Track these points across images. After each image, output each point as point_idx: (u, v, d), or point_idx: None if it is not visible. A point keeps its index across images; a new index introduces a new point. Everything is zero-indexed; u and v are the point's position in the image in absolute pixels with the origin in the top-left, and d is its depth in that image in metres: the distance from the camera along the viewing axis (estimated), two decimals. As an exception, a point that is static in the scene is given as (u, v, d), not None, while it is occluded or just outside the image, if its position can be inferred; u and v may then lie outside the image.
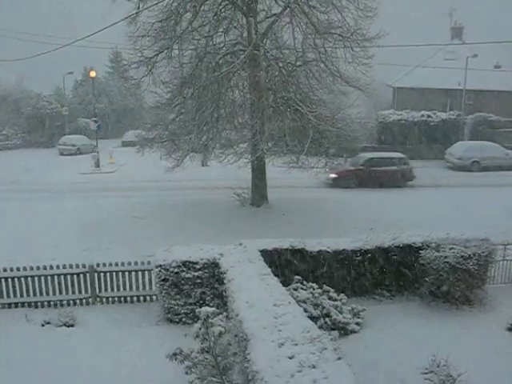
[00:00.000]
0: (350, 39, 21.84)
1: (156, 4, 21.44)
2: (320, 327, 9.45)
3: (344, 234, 15.46)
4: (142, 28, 22.44)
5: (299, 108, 21.57)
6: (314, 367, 6.65)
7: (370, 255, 13.49)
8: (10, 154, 51.82)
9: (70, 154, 51.11)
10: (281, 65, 22.65)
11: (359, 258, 13.43)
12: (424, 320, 12.43)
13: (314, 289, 12.13)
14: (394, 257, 13.55)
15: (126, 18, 21.47)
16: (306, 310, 9.76)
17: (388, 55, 29.55)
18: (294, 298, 9.99)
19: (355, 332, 11.78)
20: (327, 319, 11.57)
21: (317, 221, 21.78)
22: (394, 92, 53.88)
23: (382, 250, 13.56)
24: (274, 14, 22.67)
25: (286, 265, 12.80)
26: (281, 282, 10.35)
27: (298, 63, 22.72)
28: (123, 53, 36.15)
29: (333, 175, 30.97)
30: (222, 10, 22.76)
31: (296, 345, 7.27)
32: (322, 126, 21.83)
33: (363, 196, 28.33)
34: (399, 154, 33.62)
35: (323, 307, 11.68)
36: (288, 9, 21.71)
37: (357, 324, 11.94)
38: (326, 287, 12.49)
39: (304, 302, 11.29)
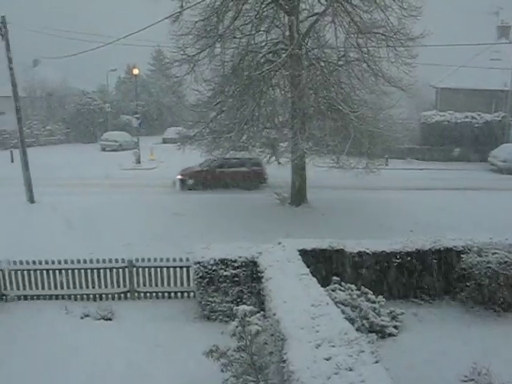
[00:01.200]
0: (393, 38, 21.59)
1: (199, 3, 21.57)
2: (357, 329, 9.35)
3: (385, 235, 15.28)
4: (185, 26, 22.60)
5: (340, 108, 21.39)
6: (350, 370, 6.59)
7: (409, 258, 13.30)
8: (54, 149, 52.77)
9: (112, 150, 51.84)
10: (322, 64, 22.51)
11: (399, 260, 13.26)
12: (464, 326, 12.17)
13: (352, 290, 12.03)
14: (435, 260, 13.34)
15: (169, 16, 21.67)
16: (343, 312, 9.68)
17: (431, 55, 29.10)
18: (332, 299, 9.91)
19: (393, 335, 11.63)
20: (365, 321, 11.45)
21: (357, 221, 21.56)
22: (437, 92, 52.97)
23: (422, 252, 13.35)
24: (317, 13, 22.56)
25: (325, 265, 12.73)
26: (319, 282, 10.30)
27: (339, 63, 22.57)
28: (166, 51, 36.49)
29: (179, 176, 30.87)
30: (264, 8, 22.76)
31: (333, 346, 7.22)
32: (363, 127, 21.62)
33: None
34: (252, 155, 31.49)
35: (361, 309, 11.58)
36: (330, 8, 21.58)
37: (395, 327, 11.79)
38: (364, 289, 12.37)
39: (342, 304, 11.21)
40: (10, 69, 26.72)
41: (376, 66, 22.13)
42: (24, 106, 39.96)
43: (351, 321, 9.87)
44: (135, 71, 49.83)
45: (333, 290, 11.79)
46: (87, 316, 13.12)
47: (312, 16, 22.91)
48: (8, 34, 26.10)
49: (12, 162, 42.59)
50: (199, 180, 30.97)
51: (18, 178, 28.05)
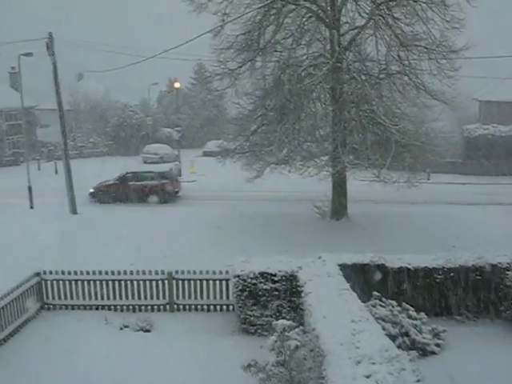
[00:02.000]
0: (435, 51, 21.33)
1: (240, 17, 21.74)
2: (398, 346, 9.19)
3: (427, 250, 15.00)
4: (226, 40, 22.81)
5: (382, 121, 21.19)
6: (391, 388, 6.47)
7: (452, 274, 13.02)
8: (96, 161, 53.59)
9: (153, 163, 52.34)
10: (363, 77, 22.37)
11: (441, 276, 12.99)
12: (509, 346, 11.82)
13: (393, 306, 11.84)
14: (478, 277, 13.03)
15: (211, 30, 21.89)
16: (384, 328, 9.52)
17: (475, 67, 28.65)
18: (373, 315, 9.77)
19: (435, 353, 11.35)
20: (406, 338, 11.25)
21: (398, 236, 21.23)
22: (481, 105, 52.08)
23: (465, 269, 13.04)
24: (358, 26, 22.50)
25: (365, 280, 12.57)
26: (359, 297, 10.17)
27: (381, 76, 22.42)
28: (207, 64, 36.73)
29: (91, 190, 31.09)
30: (306, 22, 22.82)
31: (373, 363, 7.09)
32: (404, 140, 21.37)
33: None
34: (164, 168, 33.35)
35: (402, 326, 11.37)
36: (372, 21, 21.51)
37: (437, 345, 11.52)
38: (405, 305, 12.16)
39: (382, 320, 11.04)
40: (56, 83, 27.34)
41: (418, 78, 21.88)
42: (68, 119, 40.82)
43: (392, 337, 9.69)
44: (177, 85, 50.44)
45: (373, 306, 11.62)
46: (126, 327, 13.23)
47: (353, 29, 22.86)
48: (54, 49, 26.76)
49: (56, 173, 43.47)
50: (110, 193, 31.46)
51: (61, 189, 28.59)
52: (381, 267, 12.87)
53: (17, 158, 52.85)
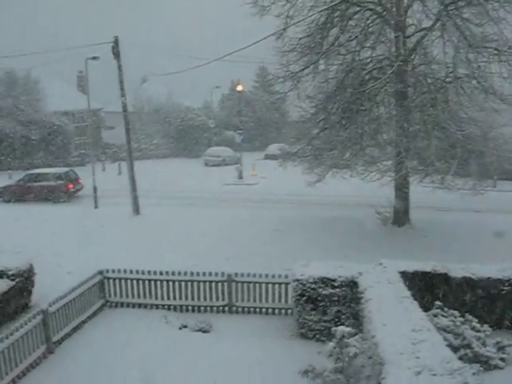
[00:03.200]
0: (506, 53, 20.56)
1: (303, 19, 21.66)
2: (460, 358, 8.90)
3: (493, 260, 14.50)
4: (289, 43, 22.75)
5: (447, 126, 20.69)
6: (453, 401, 6.26)
7: (519, 285, 12.54)
8: (159, 163, 54.57)
9: (215, 165, 52.88)
10: (429, 81, 21.89)
11: (508, 287, 12.53)
12: None
13: (455, 317, 11.49)
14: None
15: (274, 33, 21.94)
16: (445, 339, 9.25)
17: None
18: (434, 325, 9.52)
19: (499, 368, 10.91)
20: (468, 351, 10.88)
21: (462, 245, 20.58)
22: (553, 111, 50.25)
23: (535, 281, 12.54)
24: (424, 28, 21.99)
25: (427, 289, 12.27)
26: (420, 306, 9.93)
27: (447, 79, 21.79)
28: (269, 67, 36.84)
29: None
30: (370, 24, 22.52)
31: (434, 375, 6.89)
32: (471, 146, 20.79)
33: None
34: (60, 170, 35.17)
35: (464, 337, 11.02)
36: (439, 22, 20.96)
37: (502, 360, 11.05)
38: (468, 316, 11.78)
39: (444, 330, 10.74)
40: (121, 86, 27.95)
41: (487, 82, 21.15)
42: (132, 121, 41.63)
43: (453, 349, 9.39)
44: (239, 88, 50.73)
45: (435, 316, 11.33)
46: (185, 327, 13.37)
47: (419, 31, 22.35)
48: (120, 53, 27.38)
49: (119, 174, 44.43)
50: (14, 193, 33.57)
51: (124, 189, 29.19)
52: (443, 276, 12.53)
53: (83, 158, 54.28)
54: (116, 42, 27.23)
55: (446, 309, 11.75)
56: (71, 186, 34.51)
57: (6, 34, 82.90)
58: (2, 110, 50.69)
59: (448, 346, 8.37)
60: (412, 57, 22.29)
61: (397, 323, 8.80)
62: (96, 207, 30.92)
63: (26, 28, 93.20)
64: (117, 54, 27.39)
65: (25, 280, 14.47)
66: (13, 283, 13.91)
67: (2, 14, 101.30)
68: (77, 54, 32.48)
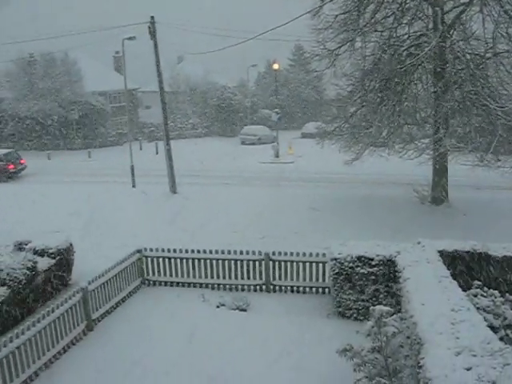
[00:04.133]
0: (548, 28, 20.02)
1: (340, -4, 21.41)
2: (500, 339, 8.79)
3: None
4: (325, 20, 22.48)
5: (487, 103, 20.25)
6: (493, 383, 6.19)
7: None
8: (196, 142, 54.81)
9: (251, 144, 52.89)
10: (468, 57, 21.41)
11: (550, 267, 12.30)
12: None
13: (495, 297, 11.32)
14: None
15: (310, 11, 21.70)
16: (485, 319, 9.15)
17: None
18: (473, 305, 9.42)
19: (541, 348, 10.78)
20: (509, 331, 10.72)
21: (503, 224, 20.02)
22: None
23: None
24: (463, 3, 21.45)
25: (466, 268, 12.13)
26: (459, 286, 9.84)
27: (487, 55, 21.28)
28: (305, 45, 36.54)
29: None
30: (407, 0, 22.07)
31: (474, 356, 6.83)
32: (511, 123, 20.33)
33: None
34: (1, 152, 37.26)
35: (505, 318, 10.85)
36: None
37: (544, 340, 10.92)
38: (509, 296, 11.61)
39: (484, 310, 10.58)
40: (158, 66, 28.06)
41: (528, 57, 20.68)
42: (169, 101, 41.85)
43: (494, 329, 9.28)
44: (275, 66, 50.47)
45: (474, 295, 11.17)
46: (223, 305, 13.49)
47: (458, 6, 21.80)
48: (156, 32, 27.45)
49: (157, 153, 44.82)
50: None
51: (161, 169, 29.43)
52: (483, 255, 12.35)
53: (120, 138, 54.88)
54: (152, 21, 27.28)
55: (485, 288, 11.59)
56: (11, 166, 36.47)
57: (44, 17, 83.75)
58: (41, 92, 51.47)
59: (488, 326, 8.28)
60: (450, 33, 21.82)
61: (436, 303, 8.74)
62: (133, 186, 31.28)
63: (62, 10, 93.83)
64: (153, 34, 27.47)
65: (65, 258, 14.80)
66: (53, 261, 14.25)
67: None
68: (113, 34, 32.74)
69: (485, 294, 11.33)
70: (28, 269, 13.07)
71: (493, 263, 12.28)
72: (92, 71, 55.41)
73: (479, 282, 11.68)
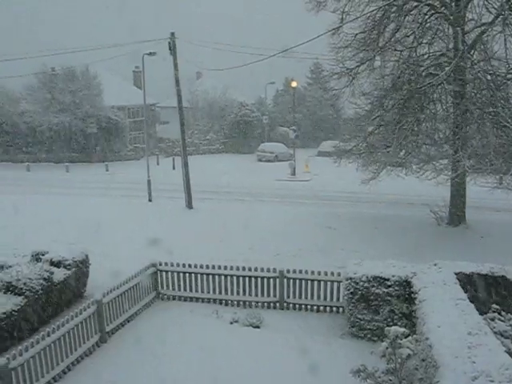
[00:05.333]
0: None
1: (360, 17, 21.43)
2: (519, 365, 8.64)
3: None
4: (345, 39, 22.54)
5: (508, 124, 20.10)
6: (511, 410, 6.07)
7: None
8: (212, 158, 55.01)
9: (268, 161, 52.94)
10: (489, 77, 21.29)
11: None
12: None
13: (513, 321, 11.17)
14: None
15: (330, 31, 21.76)
16: (502, 344, 8.99)
17: None
18: (491, 329, 9.26)
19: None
20: (527, 358, 10.54)
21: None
22: None
23: None
24: (484, 23, 21.36)
25: (484, 291, 11.96)
26: (476, 309, 9.69)
27: (508, 76, 21.17)
28: (324, 64, 36.60)
29: None
30: (428, 20, 22.07)
31: (492, 381, 6.70)
32: (532, 145, 20.13)
33: None
34: None
35: (523, 343, 10.69)
36: (501, 16, 20.35)
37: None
38: (527, 321, 11.45)
39: (501, 335, 10.43)
40: (177, 82, 28.24)
41: (550, 79, 20.51)
42: (186, 116, 42.05)
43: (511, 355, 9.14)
44: (293, 84, 50.59)
45: (491, 319, 11.02)
46: (236, 322, 13.43)
47: (479, 26, 21.72)
48: (176, 48, 27.68)
49: (173, 168, 44.97)
50: None
51: (178, 184, 29.50)
52: (501, 279, 12.18)
53: (137, 152, 55.22)
54: (172, 38, 27.52)
55: (503, 313, 11.43)
56: None
57: (64, 31, 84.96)
58: (61, 105, 52.01)
59: (506, 351, 8.12)
60: (471, 53, 21.74)
61: (452, 325, 8.60)
62: (150, 200, 31.35)
63: (82, 25, 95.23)
64: (173, 50, 27.69)
65: (80, 270, 14.83)
66: (69, 272, 14.29)
67: (59, 11, 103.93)
68: (133, 49, 33.04)
69: (502, 319, 11.20)
70: (44, 279, 13.13)
71: (511, 287, 12.11)
72: (111, 86, 55.94)
73: (497, 306, 11.55)
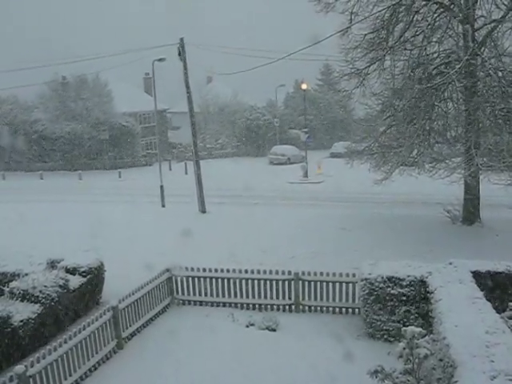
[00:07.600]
0: None
1: (368, 17, 21.36)
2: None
3: None
4: (354, 40, 22.44)
5: (520, 120, 19.97)
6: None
7: None
8: (225, 162, 55.06)
9: (280, 164, 52.94)
10: (500, 74, 21.13)
11: None
12: None
13: (531, 319, 11.07)
14: None
15: (339, 32, 21.70)
16: (521, 342, 8.92)
17: None
18: (509, 327, 9.19)
19: None
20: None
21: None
22: None
23: None
24: (494, 20, 21.22)
25: (501, 290, 11.87)
26: (493, 307, 9.62)
27: (520, 72, 21.06)
28: (334, 65, 36.53)
29: None
30: (437, 18, 21.93)
31: (511, 380, 6.64)
32: (546, 142, 19.94)
33: None
34: None
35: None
36: (511, 12, 20.24)
37: None
38: (545, 318, 11.34)
39: (519, 333, 10.35)
40: (187, 87, 28.31)
41: (562, 75, 20.34)
42: (198, 121, 42.16)
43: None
44: (304, 86, 50.54)
45: (509, 318, 10.91)
46: (252, 325, 13.44)
47: (489, 23, 21.57)
48: (185, 54, 27.76)
49: (186, 173, 45.07)
50: None
51: (190, 188, 29.55)
52: (518, 276, 12.09)
53: (149, 158, 55.43)
54: (181, 43, 27.61)
55: (521, 310, 11.35)
56: None
57: (74, 39, 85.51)
58: (73, 113, 52.36)
59: (525, 349, 8.06)
60: (481, 50, 21.60)
61: (469, 325, 8.55)
62: (163, 205, 31.44)
63: (94, 31, 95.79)
64: (182, 55, 27.77)
65: (95, 277, 14.88)
66: (84, 280, 14.35)
67: (70, 19, 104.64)
68: (143, 56, 33.20)
69: (520, 316, 11.07)
70: (60, 286, 13.20)
71: (528, 284, 12.01)
72: (122, 92, 56.31)
73: (514, 304, 11.42)
